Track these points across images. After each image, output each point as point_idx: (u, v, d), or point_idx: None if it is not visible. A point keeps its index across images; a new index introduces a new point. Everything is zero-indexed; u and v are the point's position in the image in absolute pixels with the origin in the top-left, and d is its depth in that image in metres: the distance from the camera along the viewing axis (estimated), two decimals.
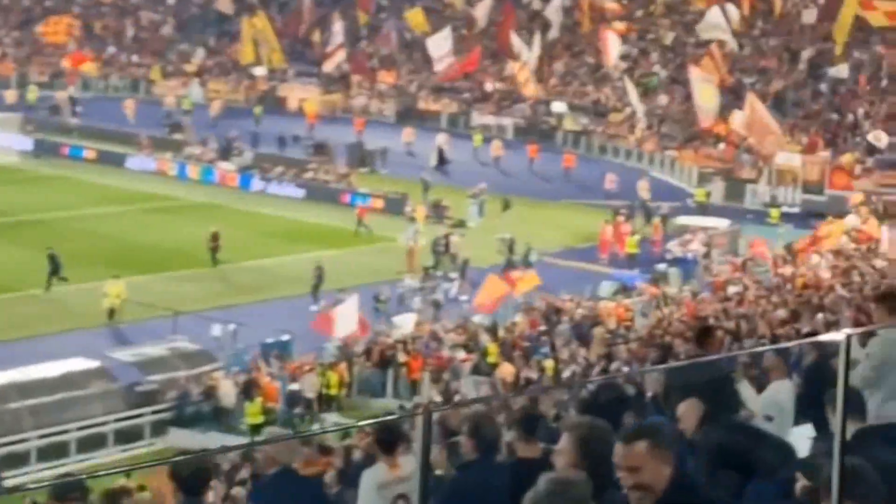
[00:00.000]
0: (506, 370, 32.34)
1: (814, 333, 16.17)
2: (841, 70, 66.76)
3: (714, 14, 68.28)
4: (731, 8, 70.49)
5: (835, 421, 6.30)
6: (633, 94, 66.69)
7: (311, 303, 43.74)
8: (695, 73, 60.78)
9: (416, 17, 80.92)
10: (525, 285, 42.13)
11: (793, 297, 32.10)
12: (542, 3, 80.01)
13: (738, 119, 58.92)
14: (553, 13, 77.85)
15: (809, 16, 72.08)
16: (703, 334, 13.41)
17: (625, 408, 10.85)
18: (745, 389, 11.99)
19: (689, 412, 9.52)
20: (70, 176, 62.76)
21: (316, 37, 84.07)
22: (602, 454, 6.50)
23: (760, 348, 18.39)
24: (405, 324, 40.62)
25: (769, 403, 11.65)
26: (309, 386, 35.86)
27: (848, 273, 34.79)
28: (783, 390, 11.89)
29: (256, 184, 61.69)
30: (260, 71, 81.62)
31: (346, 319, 39.51)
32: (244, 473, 21.33)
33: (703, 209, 56.86)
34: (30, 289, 44.65)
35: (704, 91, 58.96)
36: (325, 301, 42.07)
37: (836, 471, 5.92)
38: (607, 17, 76.67)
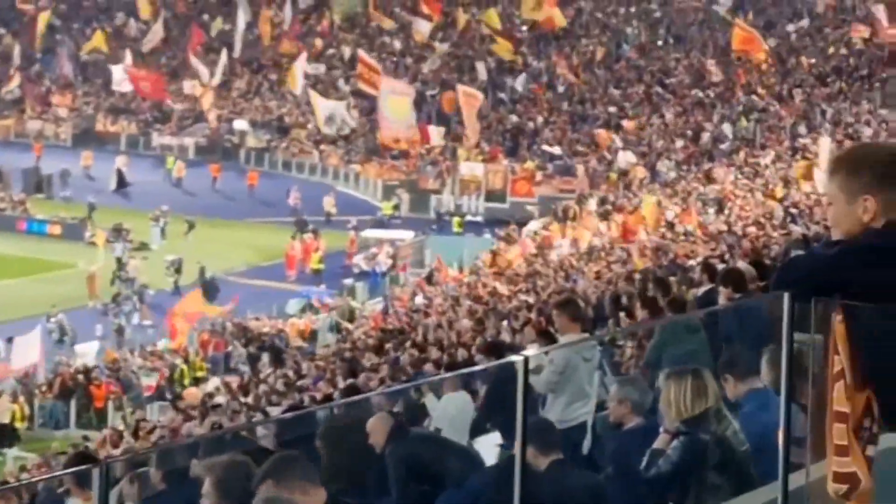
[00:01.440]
0: (191, 393, 31.86)
1: (498, 343, 16.36)
2: (518, 81, 68.29)
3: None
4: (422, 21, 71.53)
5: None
6: (318, 109, 66.37)
7: None
8: (386, 85, 60.23)
9: (95, 40, 79.06)
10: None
11: (479, 304, 32.43)
12: (224, 22, 79.22)
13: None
14: (236, 31, 77.13)
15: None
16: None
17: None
18: (430, 402, 11.98)
19: (377, 427, 9.39)
20: None
21: None
22: (244, 490, 6.27)
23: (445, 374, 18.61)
24: (88, 352, 39.68)
25: (439, 417, 11.66)
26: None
27: (531, 278, 35.37)
28: (455, 403, 11.89)
29: None
30: None
31: (27, 350, 38.34)
32: None
33: (390, 222, 57.20)
34: None
35: (396, 102, 58.59)
36: None
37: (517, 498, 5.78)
38: (288, 34, 76.48)
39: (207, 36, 78.31)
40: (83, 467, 11.40)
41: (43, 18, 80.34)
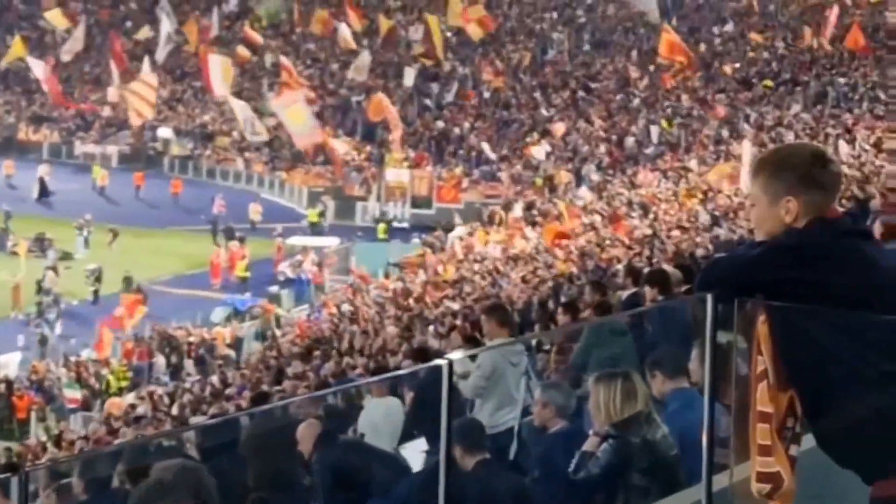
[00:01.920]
0: (114, 404, 31.58)
1: (424, 348, 16.34)
2: (445, 87, 68.47)
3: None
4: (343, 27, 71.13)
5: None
6: (239, 116, 65.90)
7: None
8: (276, 102, 59.25)
9: (15, 49, 78.14)
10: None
11: (404, 311, 32.38)
12: (150, 30, 78.56)
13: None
14: (160, 39, 76.42)
15: (416, 32, 73.10)
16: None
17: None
18: (368, 404, 11.96)
19: (305, 434, 9.33)
20: None
21: None
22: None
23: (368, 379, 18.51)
24: (10, 363, 39.28)
25: (363, 423, 11.63)
26: None
27: (457, 284, 35.37)
28: (380, 408, 11.85)
29: None
30: None
31: None
32: None
33: (317, 229, 56.94)
34: None
35: (292, 113, 57.78)
36: None
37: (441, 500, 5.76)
38: (209, 41, 75.95)
39: (130, 42, 77.56)
40: (0, 476, 11.28)
41: None
